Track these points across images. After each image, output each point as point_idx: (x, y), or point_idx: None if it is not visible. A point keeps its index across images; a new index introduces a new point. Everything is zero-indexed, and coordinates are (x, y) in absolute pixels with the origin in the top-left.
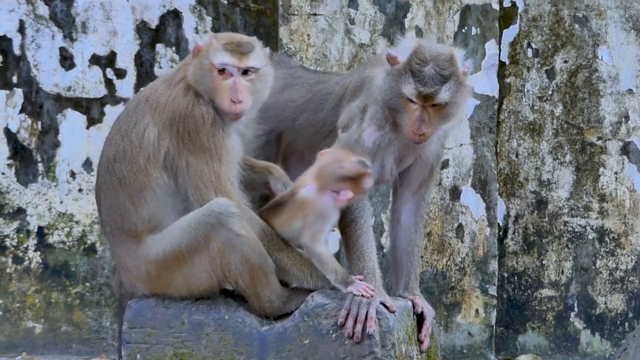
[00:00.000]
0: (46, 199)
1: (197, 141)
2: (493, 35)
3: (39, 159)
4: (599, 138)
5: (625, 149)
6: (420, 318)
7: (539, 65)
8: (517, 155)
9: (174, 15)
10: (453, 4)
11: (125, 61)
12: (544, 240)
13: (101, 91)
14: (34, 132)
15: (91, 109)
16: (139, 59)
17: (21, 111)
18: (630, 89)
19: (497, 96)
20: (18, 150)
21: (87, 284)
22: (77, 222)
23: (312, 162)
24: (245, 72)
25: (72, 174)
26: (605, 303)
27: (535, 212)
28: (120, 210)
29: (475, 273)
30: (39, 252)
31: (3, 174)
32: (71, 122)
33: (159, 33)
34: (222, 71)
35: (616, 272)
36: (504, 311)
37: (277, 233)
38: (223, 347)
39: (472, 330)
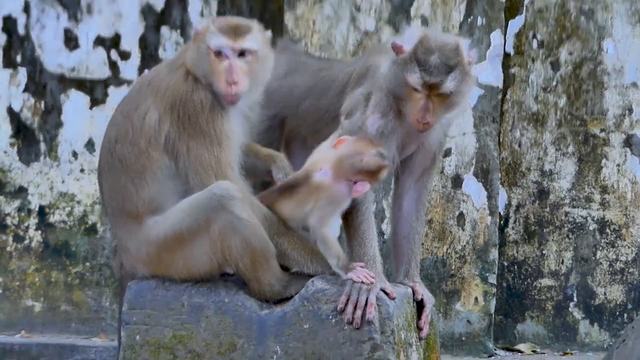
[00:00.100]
0: (48, 179)
1: (197, 126)
2: (499, 26)
3: (42, 139)
4: (602, 130)
5: (628, 142)
6: (420, 305)
7: (543, 57)
8: (519, 145)
9: None
10: None
11: (130, 43)
12: (544, 230)
13: (105, 73)
14: (37, 111)
15: (95, 90)
16: (143, 42)
17: (25, 90)
18: (635, 82)
19: (501, 86)
20: (21, 129)
21: (87, 263)
22: (78, 202)
23: (315, 147)
24: (241, 53)
25: (74, 154)
26: (605, 294)
27: (537, 202)
28: (121, 191)
29: (475, 261)
30: (39, 231)
31: (5, 152)
32: (74, 102)
33: (164, 16)
34: (218, 54)
35: (616, 264)
36: (504, 300)
37: (278, 217)
38: (222, 329)
39: (471, 318)
